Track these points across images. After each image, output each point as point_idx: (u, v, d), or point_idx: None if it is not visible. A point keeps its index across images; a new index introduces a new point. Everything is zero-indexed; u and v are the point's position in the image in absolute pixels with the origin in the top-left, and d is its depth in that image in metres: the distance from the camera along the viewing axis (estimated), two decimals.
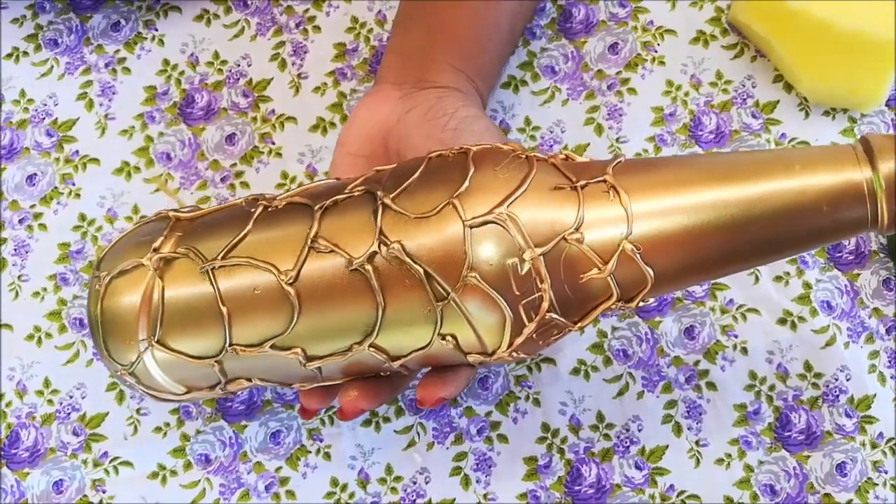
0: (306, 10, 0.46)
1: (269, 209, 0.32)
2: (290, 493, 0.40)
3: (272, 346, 0.31)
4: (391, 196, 0.30)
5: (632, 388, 0.40)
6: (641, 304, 0.30)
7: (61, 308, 0.43)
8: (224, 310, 0.31)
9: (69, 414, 0.41)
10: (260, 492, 0.40)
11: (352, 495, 0.40)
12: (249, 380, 0.33)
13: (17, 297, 0.43)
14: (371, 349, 0.31)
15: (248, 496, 0.40)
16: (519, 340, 0.30)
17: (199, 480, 0.40)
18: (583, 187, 0.30)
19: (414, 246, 0.29)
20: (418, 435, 0.40)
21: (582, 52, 0.44)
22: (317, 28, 0.46)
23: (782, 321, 0.41)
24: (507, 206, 0.29)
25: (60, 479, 0.41)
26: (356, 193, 0.31)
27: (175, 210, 0.34)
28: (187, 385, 0.34)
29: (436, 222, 0.29)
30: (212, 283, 0.31)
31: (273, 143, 0.44)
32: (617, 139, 0.43)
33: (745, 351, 0.40)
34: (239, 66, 0.45)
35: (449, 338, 0.30)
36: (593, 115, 0.44)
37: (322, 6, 0.46)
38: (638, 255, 0.29)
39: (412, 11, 0.40)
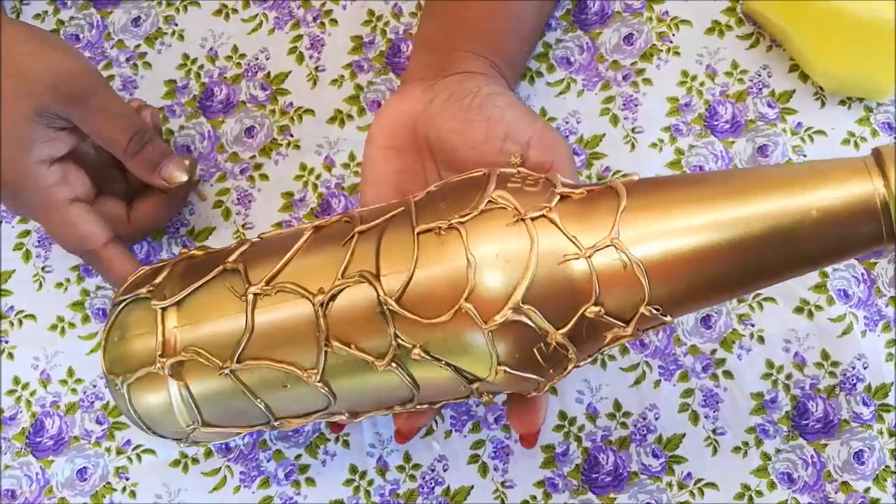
0: (323, 4, 0.46)
1: (263, 296, 0.31)
2: (310, 481, 0.40)
3: (318, 417, 0.33)
4: (395, 298, 0.29)
5: (648, 376, 0.41)
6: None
7: (84, 298, 0.43)
8: (259, 402, 0.32)
9: (92, 402, 0.42)
10: (280, 479, 0.41)
11: (371, 482, 0.40)
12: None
13: (40, 287, 0.44)
14: (414, 408, 0.32)
15: (268, 483, 0.40)
16: (548, 386, 0.31)
17: (220, 468, 0.41)
18: (590, 256, 0.28)
19: (434, 345, 0.29)
20: (436, 423, 0.41)
21: (597, 43, 0.45)
22: (334, 21, 0.46)
23: (799, 310, 0.41)
24: (522, 299, 0.28)
25: (84, 467, 0.41)
26: (351, 282, 0.30)
27: (152, 289, 0.33)
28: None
29: (452, 327, 0.29)
30: (236, 382, 0.31)
31: (291, 136, 0.45)
32: (632, 129, 0.43)
33: (761, 340, 0.41)
34: (257, 59, 0.46)
35: (487, 396, 0.32)
36: (608, 106, 0.44)
37: (339, 0, 0.46)
38: (658, 313, 0.29)
39: (432, 8, 0.40)
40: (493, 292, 0.28)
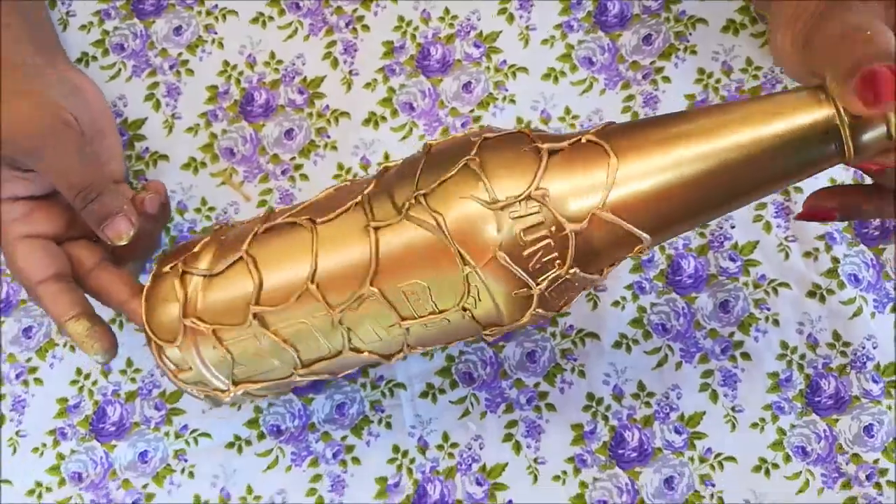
0: (355, 10, 0.48)
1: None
2: (356, 460, 0.44)
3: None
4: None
5: (671, 359, 0.43)
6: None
7: None
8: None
9: (150, 391, 0.45)
10: (328, 458, 0.44)
11: (412, 460, 0.43)
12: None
13: None
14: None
15: (317, 463, 0.44)
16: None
17: (272, 449, 0.44)
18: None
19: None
20: (472, 405, 0.44)
21: (617, 44, 0.47)
22: (366, 27, 0.48)
23: (812, 294, 0.43)
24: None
25: (145, 450, 0.44)
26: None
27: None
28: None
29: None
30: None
31: (329, 137, 0.47)
32: None
33: (776, 323, 0.43)
34: (294, 65, 0.48)
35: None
36: (629, 104, 0.46)
37: (370, 6, 0.48)
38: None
39: None
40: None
